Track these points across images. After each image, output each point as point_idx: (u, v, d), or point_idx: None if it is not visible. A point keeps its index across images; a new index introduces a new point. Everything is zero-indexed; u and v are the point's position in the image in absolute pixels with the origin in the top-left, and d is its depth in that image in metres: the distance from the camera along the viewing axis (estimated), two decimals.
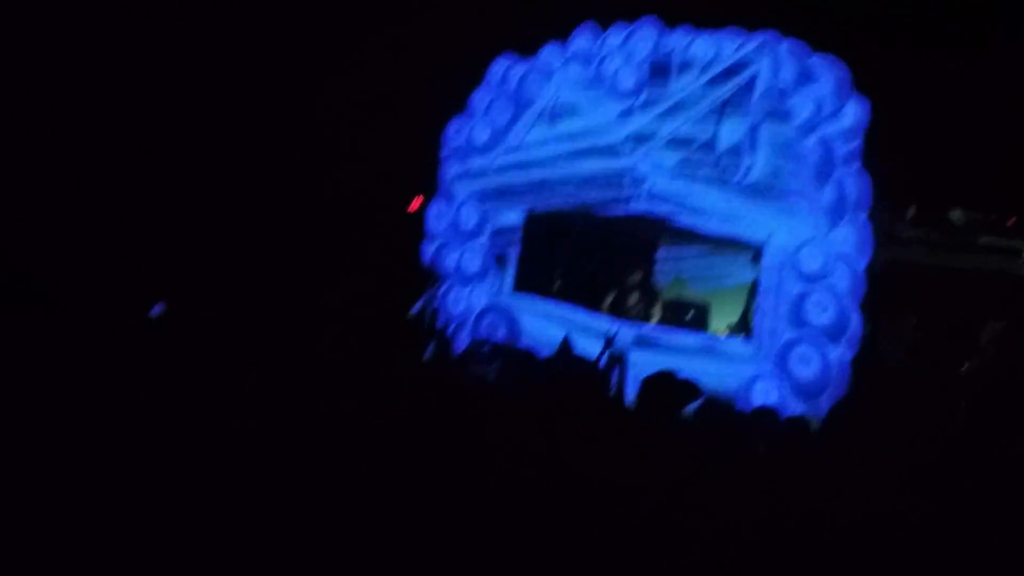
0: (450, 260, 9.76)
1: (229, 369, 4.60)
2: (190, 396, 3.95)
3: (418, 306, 9.28)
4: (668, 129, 9.32)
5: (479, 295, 9.56)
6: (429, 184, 10.19)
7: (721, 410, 5.83)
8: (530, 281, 9.73)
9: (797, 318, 8.86)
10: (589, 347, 8.08)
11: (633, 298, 9.82)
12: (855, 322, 8.96)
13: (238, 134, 11.11)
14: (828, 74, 9.41)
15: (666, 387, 5.27)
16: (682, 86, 9.46)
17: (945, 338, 11.17)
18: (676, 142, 9.30)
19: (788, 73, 9.36)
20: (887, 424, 6.84)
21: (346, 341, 6.44)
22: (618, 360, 8.30)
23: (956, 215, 12.21)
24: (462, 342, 9.26)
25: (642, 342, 8.83)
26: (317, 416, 4.04)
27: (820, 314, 8.82)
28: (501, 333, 9.12)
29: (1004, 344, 11.15)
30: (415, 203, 10.80)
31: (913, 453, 5.23)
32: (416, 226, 10.14)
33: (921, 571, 3.80)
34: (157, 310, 7.24)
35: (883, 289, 9.76)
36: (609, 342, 8.24)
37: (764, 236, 9.20)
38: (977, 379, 10.52)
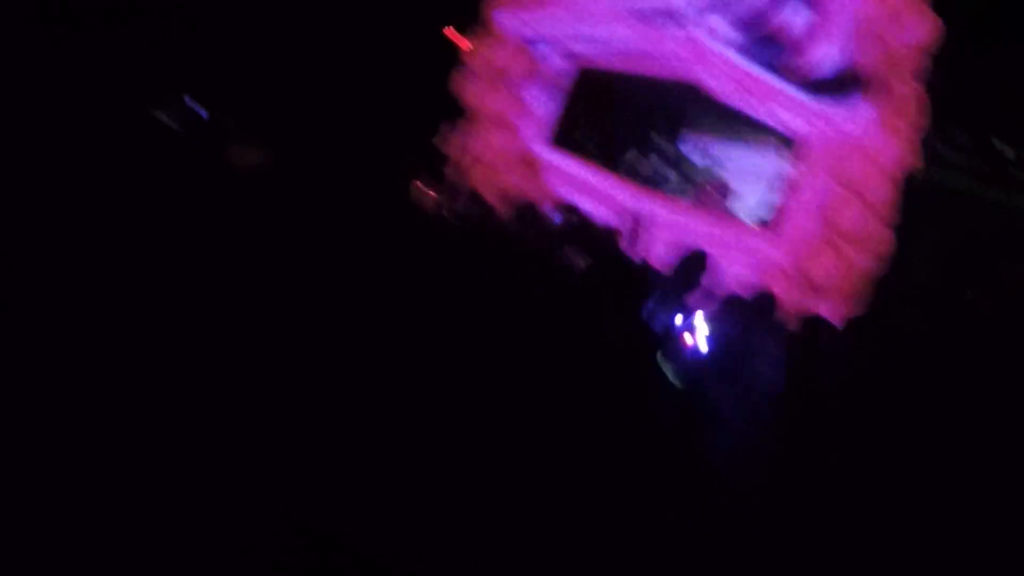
0: (493, 102, 9.57)
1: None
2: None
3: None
4: (737, 6, 9.00)
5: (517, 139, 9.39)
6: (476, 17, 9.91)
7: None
8: (567, 136, 9.57)
9: (824, 218, 8.73)
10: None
11: (662, 169, 9.67)
12: (881, 233, 8.84)
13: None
14: None
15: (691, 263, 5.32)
16: None
17: (965, 267, 11.05)
18: (743, 20, 9.01)
19: None
20: (899, 341, 6.82)
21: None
22: (639, 228, 8.24)
23: (1006, 149, 11.91)
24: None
25: (664, 214, 8.73)
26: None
27: (848, 218, 8.69)
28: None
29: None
30: (462, 41, 10.54)
31: (918, 381, 5.20)
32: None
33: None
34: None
35: (916, 207, 9.61)
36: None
37: (805, 130, 9.00)
38: (987, 313, 10.43)
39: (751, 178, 9.96)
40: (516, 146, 9.37)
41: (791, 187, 9.00)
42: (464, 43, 10.18)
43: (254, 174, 5.38)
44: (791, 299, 8.37)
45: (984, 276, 10.73)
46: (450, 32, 10.44)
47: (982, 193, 11.92)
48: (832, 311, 8.39)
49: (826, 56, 8.91)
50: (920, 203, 9.76)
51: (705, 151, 10.25)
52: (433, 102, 9.97)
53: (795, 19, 8.94)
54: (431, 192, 8.09)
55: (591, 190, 9.01)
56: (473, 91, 9.67)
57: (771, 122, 9.12)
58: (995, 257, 11.03)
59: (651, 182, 9.50)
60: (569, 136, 9.67)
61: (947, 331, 9.25)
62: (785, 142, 9.44)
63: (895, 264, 9.44)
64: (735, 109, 9.12)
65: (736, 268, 8.46)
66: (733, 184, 9.89)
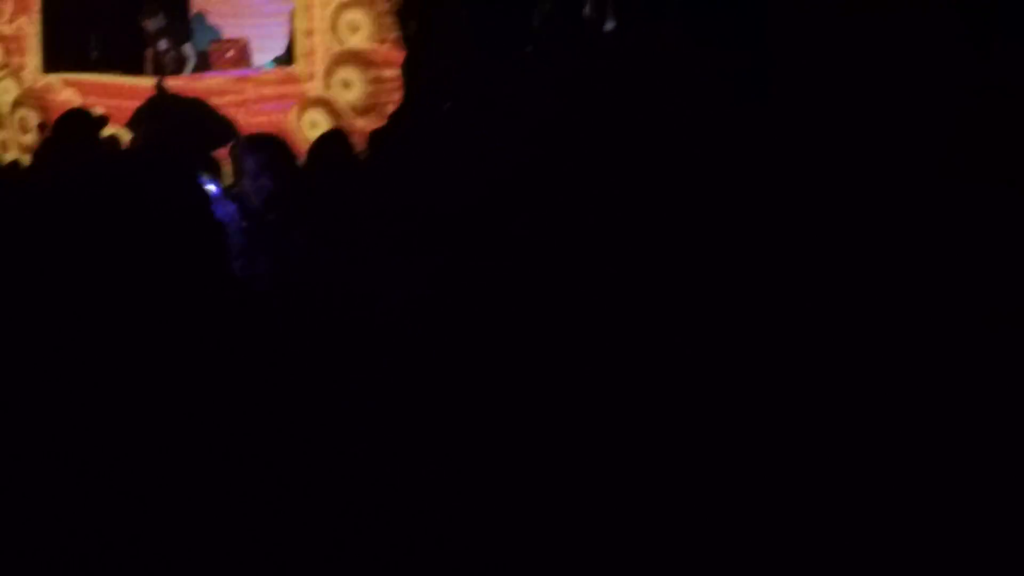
0: None
1: None
2: None
3: None
4: None
5: (7, 87, 8.86)
6: None
7: None
8: (63, 58, 9.11)
9: (335, 36, 8.72)
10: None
11: (171, 50, 9.40)
12: (397, 34, 8.90)
13: None
14: None
15: None
16: None
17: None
18: None
19: None
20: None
21: None
22: None
23: None
24: None
25: (187, 90, 8.50)
26: None
27: (359, 29, 8.71)
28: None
29: None
30: None
31: None
32: None
33: None
34: None
35: None
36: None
37: None
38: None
39: (258, 21, 9.81)
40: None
41: (295, 17, 8.94)
42: None
43: None
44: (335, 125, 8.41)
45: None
46: None
47: None
48: (375, 121, 8.49)
49: None
50: None
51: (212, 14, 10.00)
52: None
53: None
54: None
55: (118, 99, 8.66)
56: None
57: None
58: None
59: (175, 68, 9.24)
60: (73, 54, 9.21)
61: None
62: None
63: (425, 53, 9.57)
64: None
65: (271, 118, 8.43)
66: (246, 34, 9.74)
